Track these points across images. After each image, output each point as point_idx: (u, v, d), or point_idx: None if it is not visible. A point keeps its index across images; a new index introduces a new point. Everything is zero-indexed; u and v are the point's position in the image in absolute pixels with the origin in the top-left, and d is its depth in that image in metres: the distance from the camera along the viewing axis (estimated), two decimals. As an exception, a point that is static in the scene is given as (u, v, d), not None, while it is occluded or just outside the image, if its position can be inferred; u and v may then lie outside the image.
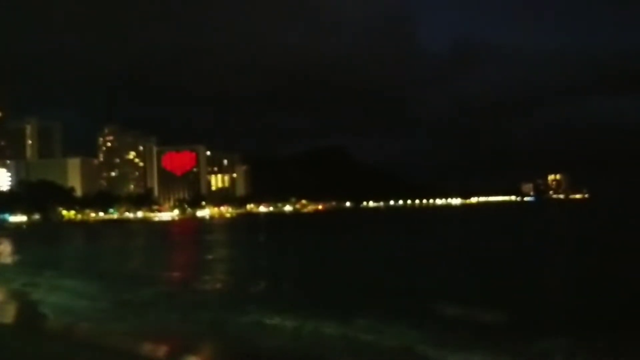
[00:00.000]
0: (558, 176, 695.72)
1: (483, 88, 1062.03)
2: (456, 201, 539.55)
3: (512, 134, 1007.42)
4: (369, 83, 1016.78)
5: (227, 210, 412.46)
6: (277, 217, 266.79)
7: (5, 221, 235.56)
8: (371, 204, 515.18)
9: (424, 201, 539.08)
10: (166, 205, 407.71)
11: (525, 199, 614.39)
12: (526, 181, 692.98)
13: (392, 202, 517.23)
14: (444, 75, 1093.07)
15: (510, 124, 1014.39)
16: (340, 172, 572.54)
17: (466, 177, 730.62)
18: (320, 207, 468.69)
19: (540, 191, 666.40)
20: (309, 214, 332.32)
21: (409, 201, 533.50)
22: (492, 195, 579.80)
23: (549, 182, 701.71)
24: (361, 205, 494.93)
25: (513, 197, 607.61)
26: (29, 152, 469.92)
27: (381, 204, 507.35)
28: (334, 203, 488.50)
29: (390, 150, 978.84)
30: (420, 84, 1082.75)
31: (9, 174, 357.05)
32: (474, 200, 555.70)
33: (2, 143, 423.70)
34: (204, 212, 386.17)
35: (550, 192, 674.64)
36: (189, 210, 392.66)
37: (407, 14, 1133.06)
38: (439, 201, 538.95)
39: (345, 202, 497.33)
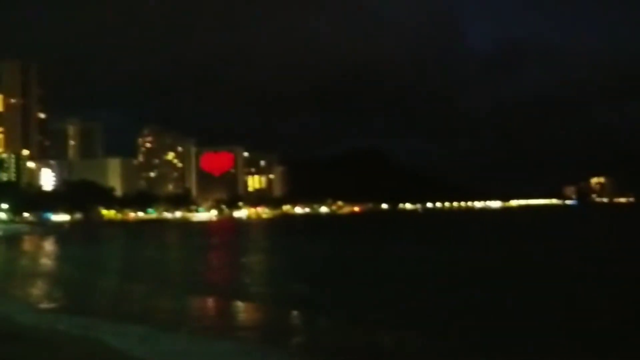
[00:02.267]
0: (602, 179, 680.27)
1: (526, 89, 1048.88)
2: (496, 204, 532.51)
3: (554, 136, 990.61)
4: (409, 84, 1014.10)
5: (263, 211, 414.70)
6: (313, 219, 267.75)
7: (48, 220, 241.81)
8: (408, 206, 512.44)
9: (462, 204, 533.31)
10: (204, 206, 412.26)
11: (567, 202, 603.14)
12: (568, 184, 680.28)
13: (429, 205, 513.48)
14: (487, 75, 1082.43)
15: (553, 125, 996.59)
16: (378, 173, 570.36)
17: (506, 179, 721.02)
18: (356, 208, 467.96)
19: (583, 194, 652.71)
20: (345, 216, 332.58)
21: (446, 203, 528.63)
22: (533, 199, 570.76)
23: (592, 185, 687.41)
24: (398, 208, 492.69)
25: (555, 201, 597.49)
26: (71, 153, 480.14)
27: (418, 206, 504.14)
28: (370, 205, 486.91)
29: (429, 152, 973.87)
30: (463, 85, 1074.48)
31: (53, 174, 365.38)
32: (514, 203, 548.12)
33: (46, 143, 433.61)
34: (241, 213, 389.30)
35: (594, 195, 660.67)
36: (226, 210, 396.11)
37: (453, 13, 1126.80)
38: (477, 204, 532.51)
39: (381, 204, 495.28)
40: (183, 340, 21.18)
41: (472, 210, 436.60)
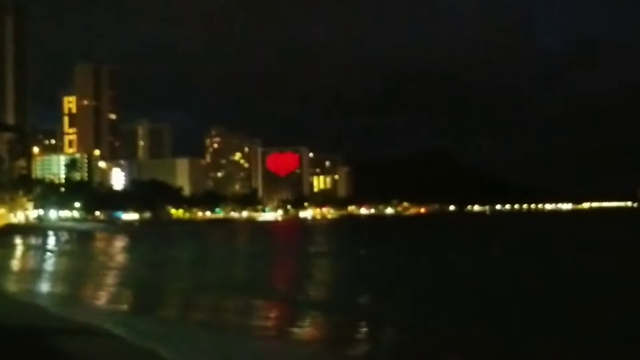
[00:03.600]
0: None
1: (600, 87, 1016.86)
2: (567, 206, 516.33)
3: (629, 135, 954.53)
4: (478, 83, 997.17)
5: (328, 212, 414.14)
6: (378, 220, 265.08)
7: (118, 219, 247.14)
8: (476, 207, 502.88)
9: (532, 206, 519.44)
10: (270, 206, 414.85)
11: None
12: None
13: (498, 207, 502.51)
14: (560, 73, 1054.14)
15: (628, 125, 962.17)
16: (444, 174, 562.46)
17: (578, 181, 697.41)
18: (422, 210, 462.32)
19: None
20: (410, 217, 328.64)
21: (515, 205, 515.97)
22: (605, 201, 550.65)
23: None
24: (465, 209, 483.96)
25: (629, 203, 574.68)
26: (140, 153, 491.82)
27: (486, 208, 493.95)
28: (436, 206, 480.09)
29: (497, 152, 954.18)
30: (534, 83, 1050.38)
31: (123, 173, 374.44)
32: (586, 205, 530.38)
33: (117, 144, 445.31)
34: (306, 213, 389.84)
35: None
36: (291, 210, 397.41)
37: (525, 9, 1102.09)
38: (548, 206, 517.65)
39: (448, 205, 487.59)
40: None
41: (541, 212, 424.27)
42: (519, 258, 57.77)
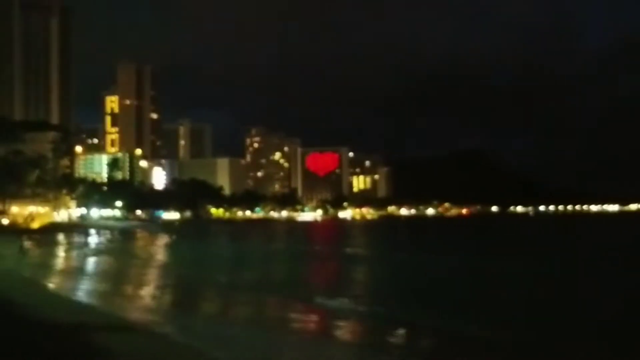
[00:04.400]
0: None
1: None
2: (613, 208, 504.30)
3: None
4: (520, 83, 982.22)
5: (368, 212, 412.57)
6: (419, 221, 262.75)
7: (159, 217, 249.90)
8: (519, 209, 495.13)
9: (577, 207, 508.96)
10: (309, 205, 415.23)
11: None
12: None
13: (541, 208, 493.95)
14: (603, 73, 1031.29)
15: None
16: (486, 174, 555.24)
17: (622, 182, 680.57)
18: (464, 211, 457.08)
19: None
20: (452, 218, 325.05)
21: (559, 207, 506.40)
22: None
23: None
24: (508, 210, 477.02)
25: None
26: (181, 152, 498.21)
27: (530, 209, 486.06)
28: (478, 207, 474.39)
29: (540, 152, 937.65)
30: (577, 84, 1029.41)
31: (164, 172, 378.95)
32: (633, 207, 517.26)
33: (158, 143, 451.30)
34: (346, 214, 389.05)
35: None
36: (331, 210, 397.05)
37: (569, 9, 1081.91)
38: (593, 207, 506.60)
39: (490, 206, 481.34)
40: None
41: (587, 214, 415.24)
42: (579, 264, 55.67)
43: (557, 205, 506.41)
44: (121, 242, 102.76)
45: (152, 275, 47.06)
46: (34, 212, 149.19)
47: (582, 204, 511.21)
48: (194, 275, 46.97)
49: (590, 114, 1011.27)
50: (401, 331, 23.84)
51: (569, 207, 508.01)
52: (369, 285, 41.69)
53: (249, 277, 43.78)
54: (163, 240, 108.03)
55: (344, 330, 24.77)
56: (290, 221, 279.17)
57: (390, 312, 27.76)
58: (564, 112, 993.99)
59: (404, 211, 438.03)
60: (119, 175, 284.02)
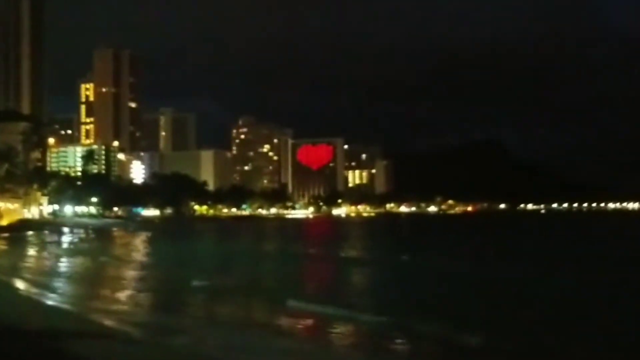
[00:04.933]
0: None
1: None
2: (634, 205, 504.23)
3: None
4: (533, 68, 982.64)
5: (365, 209, 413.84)
6: (420, 219, 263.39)
7: (137, 215, 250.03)
8: (529, 206, 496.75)
9: (594, 205, 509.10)
10: (300, 202, 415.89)
11: None
12: None
13: (555, 205, 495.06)
14: (629, 59, 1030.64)
15: None
16: (494, 168, 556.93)
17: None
18: (469, 208, 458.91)
19: None
20: (456, 216, 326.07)
21: (574, 204, 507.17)
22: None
23: None
24: (517, 208, 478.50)
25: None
26: (162, 144, 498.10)
27: (542, 206, 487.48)
28: (485, 204, 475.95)
29: (554, 145, 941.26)
30: (600, 69, 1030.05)
31: (143, 166, 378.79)
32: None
33: (137, 134, 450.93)
34: (340, 211, 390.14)
35: None
36: (324, 207, 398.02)
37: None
38: (611, 205, 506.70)
39: (499, 203, 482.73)
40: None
41: (604, 212, 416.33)
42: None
43: (571, 202, 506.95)
44: (96, 241, 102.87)
45: (129, 278, 47.36)
46: (2, 209, 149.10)
47: (600, 202, 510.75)
48: (174, 278, 47.33)
49: (612, 103, 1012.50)
50: (396, 339, 24.02)
51: (585, 205, 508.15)
52: (362, 291, 41.92)
53: (231, 281, 44.09)
54: (142, 239, 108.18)
55: (330, 338, 24.85)
56: (280, 219, 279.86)
57: (387, 321, 27.90)
58: (583, 100, 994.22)
59: (403, 208, 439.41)
60: (94, 169, 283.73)
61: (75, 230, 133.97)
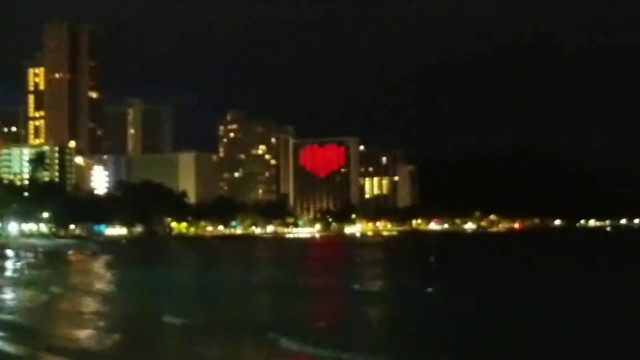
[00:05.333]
0: None
1: None
2: None
3: None
4: (584, 56, 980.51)
5: (384, 227, 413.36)
6: (455, 239, 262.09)
7: (100, 234, 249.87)
8: (591, 222, 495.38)
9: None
10: (304, 218, 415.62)
11: None
12: None
13: (623, 221, 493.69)
14: None
15: None
16: (546, 176, 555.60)
17: None
18: (516, 225, 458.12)
19: None
20: (500, 235, 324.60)
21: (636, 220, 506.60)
22: None
23: None
24: (576, 225, 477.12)
25: None
26: (130, 145, 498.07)
27: (607, 223, 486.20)
28: (536, 220, 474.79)
29: (623, 149, 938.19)
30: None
31: (107, 172, 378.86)
32: None
33: (99, 133, 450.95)
34: (354, 228, 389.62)
35: None
36: (334, 224, 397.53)
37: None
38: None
39: (553, 219, 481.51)
40: None
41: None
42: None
43: (634, 217, 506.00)
44: (48, 267, 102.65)
45: (88, 314, 47.14)
46: None
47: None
48: (142, 313, 47.13)
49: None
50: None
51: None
52: (371, 330, 41.67)
53: (211, 318, 43.91)
54: (104, 265, 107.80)
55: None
56: (279, 239, 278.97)
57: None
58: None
59: (433, 225, 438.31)
60: (45, 176, 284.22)
61: (21, 254, 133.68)
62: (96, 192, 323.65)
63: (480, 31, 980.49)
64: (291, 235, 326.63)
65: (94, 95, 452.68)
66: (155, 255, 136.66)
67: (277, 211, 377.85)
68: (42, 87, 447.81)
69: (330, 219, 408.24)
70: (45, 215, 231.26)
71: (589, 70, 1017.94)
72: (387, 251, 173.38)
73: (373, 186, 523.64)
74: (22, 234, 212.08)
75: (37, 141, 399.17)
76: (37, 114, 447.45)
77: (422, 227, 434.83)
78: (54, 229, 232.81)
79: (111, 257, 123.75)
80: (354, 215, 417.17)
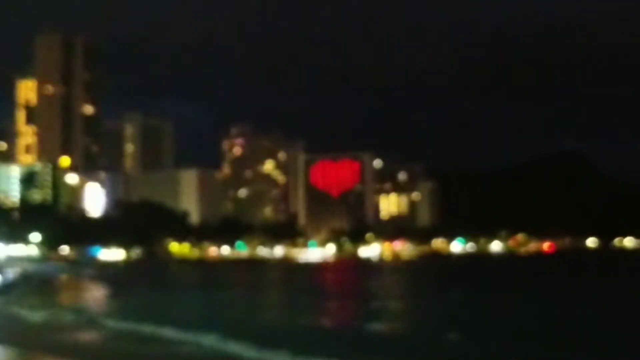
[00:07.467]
0: None
1: None
2: None
3: None
4: (629, 56, 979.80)
5: (403, 249, 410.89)
6: (480, 263, 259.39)
7: (94, 258, 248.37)
8: (628, 242, 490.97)
9: None
10: (316, 239, 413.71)
11: None
12: None
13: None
14: None
15: None
16: (578, 193, 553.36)
17: None
18: (547, 245, 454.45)
19: None
20: (530, 258, 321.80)
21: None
22: None
23: None
24: (612, 245, 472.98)
25: None
26: (128, 162, 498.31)
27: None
28: (569, 239, 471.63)
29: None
30: None
31: (103, 191, 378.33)
32: None
33: (95, 149, 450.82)
34: (370, 250, 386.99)
35: None
36: (348, 246, 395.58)
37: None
38: None
39: (585, 238, 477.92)
40: None
41: None
42: None
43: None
44: (36, 294, 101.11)
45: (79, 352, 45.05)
46: None
47: None
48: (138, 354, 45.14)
49: None
50: None
51: None
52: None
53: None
54: (98, 292, 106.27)
55: None
56: (288, 262, 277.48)
57: None
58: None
59: (456, 246, 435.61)
60: (36, 195, 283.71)
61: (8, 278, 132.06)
62: (92, 212, 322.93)
63: (503, 42, 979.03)
64: (302, 259, 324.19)
65: (89, 109, 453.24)
66: (156, 281, 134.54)
67: (286, 232, 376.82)
68: (34, 101, 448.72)
69: (344, 240, 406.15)
70: (36, 237, 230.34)
71: (620, 80, 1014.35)
72: (407, 276, 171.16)
73: (390, 204, 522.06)
74: (10, 258, 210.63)
75: (27, 158, 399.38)
76: (27, 130, 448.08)
77: (444, 248, 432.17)
78: (45, 252, 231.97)
79: (105, 284, 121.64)
80: (369, 236, 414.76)
